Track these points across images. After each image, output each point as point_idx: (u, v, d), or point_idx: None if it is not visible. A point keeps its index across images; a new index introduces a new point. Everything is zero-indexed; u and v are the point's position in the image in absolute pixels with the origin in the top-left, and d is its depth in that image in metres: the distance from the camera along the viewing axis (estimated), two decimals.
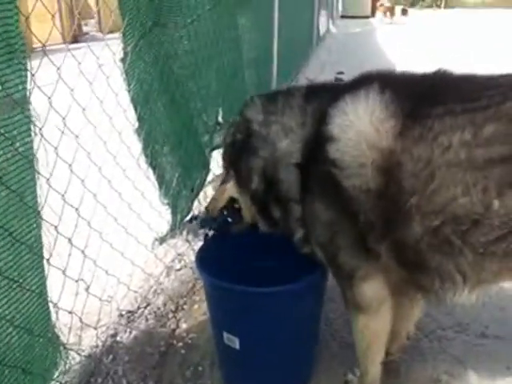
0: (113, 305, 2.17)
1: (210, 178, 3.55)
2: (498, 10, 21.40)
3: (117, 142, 2.26)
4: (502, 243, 1.44)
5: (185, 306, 2.50)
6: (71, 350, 1.80)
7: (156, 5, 2.56)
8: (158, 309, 2.38)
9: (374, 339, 1.78)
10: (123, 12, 2.23)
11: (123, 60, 2.30)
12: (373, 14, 22.74)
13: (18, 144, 1.56)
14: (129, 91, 2.37)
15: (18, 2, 1.44)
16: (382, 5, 20.54)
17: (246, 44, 4.61)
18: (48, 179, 1.70)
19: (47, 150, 1.70)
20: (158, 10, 2.61)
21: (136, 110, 2.45)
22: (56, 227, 1.74)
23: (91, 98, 1.96)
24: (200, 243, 2.92)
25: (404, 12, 19.99)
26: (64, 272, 1.78)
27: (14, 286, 1.54)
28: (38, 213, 1.65)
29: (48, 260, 1.68)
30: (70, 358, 1.79)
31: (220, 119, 3.82)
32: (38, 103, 1.58)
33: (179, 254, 2.79)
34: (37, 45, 1.70)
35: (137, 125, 2.48)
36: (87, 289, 1.89)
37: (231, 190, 1.95)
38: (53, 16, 1.80)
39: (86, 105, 1.93)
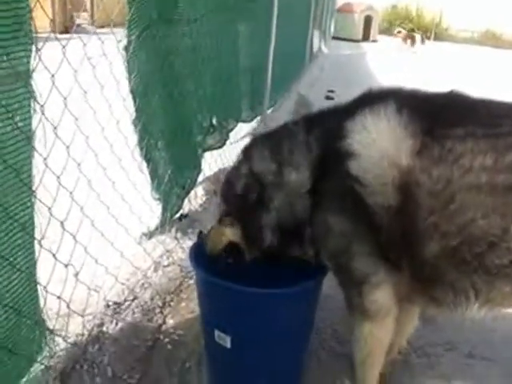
0: (100, 294, 2.12)
1: (200, 178, 3.53)
2: (486, 48, 21.97)
3: (114, 131, 2.23)
4: None
5: (171, 303, 2.46)
6: (57, 335, 1.75)
7: None
8: (145, 303, 2.33)
9: (376, 347, 1.78)
10: (130, 0, 2.23)
11: (126, 49, 2.29)
12: (364, 39, 23.11)
13: (17, 118, 1.53)
14: (129, 81, 2.36)
15: None
16: (400, 32, 20.72)
17: (243, 51, 4.65)
18: (45, 158, 1.66)
19: (46, 129, 1.66)
20: (164, 4, 2.62)
21: (135, 100, 2.43)
22: (50, 209, 1.69)
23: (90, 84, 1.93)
24: (188, 242, 2.91)
25: (423, 41, 20.15)
26: (54, 256, 1.73)
27: (5, 263, 1.49)
28: (33, 191, 1.61)
29: (40, 241, 1.64)
30: (56, 343, 1.74)
31: (214, 122, 3.82)
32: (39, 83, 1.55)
33: (167, 251, 2.75)
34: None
35: (134, 116, 2.46)
36: (76, 275, 1.84)
37: (231, 235, 1.89)
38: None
39: (87, 89, 1.91)
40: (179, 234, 2.94)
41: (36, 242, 1.63)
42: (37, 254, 1.65)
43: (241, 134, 4.88)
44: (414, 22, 25.55)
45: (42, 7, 1.65)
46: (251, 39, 4.91)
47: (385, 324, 1.73)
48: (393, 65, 13.64)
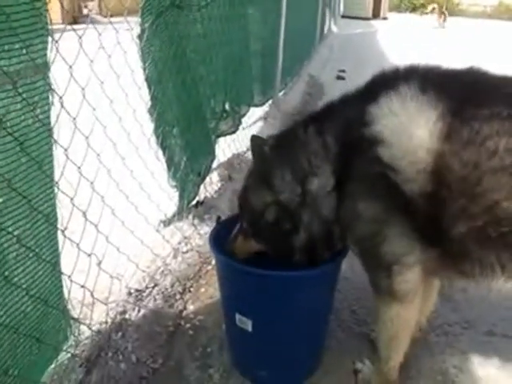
0: (122, 282, 2.15)
1: (215, 164, 3.54)
2: (499, 22, 21.52)
3: (130, 120, 2.24)
4: None
5: (191, 289, 2.49)
6: (82, 323, 1.78)
7: None
8: (166, 289, 2.36)
9: (403, 328, 1.79)
10: None
11: (140, 37, 2.28)
12: (374, 16, 22.75)
13: (38, 111, 1.54)
14: (144, 69, 2.35)
15: None
16: (434, 8, 20.46)
17: (254, 35, 4.61)
18: (66, 149, 1.67)
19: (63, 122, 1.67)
20: None
21: (150, 89, 2.43)
22: (72, 199, 1.71)
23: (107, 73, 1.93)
24: (206, 228, 2.93)
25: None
26: (78, 246, 1.75)
27: (31, 254, 1.52)
28: (56, 183, 1.63)
29: (63, 232, 1.66)
30: (81, 331, 1.77)
31: (227, 107, 3.81)
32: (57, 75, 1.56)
33: (185, 237, 2.77)
34: None
35: (149, 104, 2.46)
36: (99, 264, 1.86)
37: (257, 246, 1.92)
38: None
39: (104, 79, 1.91)
40: (196, 221, 2.96)
41: (59, 232, 1.66)
42: (60, 244, 1.68)
43: (253, 119, 4.87)
44: None
45: None
46: (261, 22, 4.86)
47: (412, 305, 1.74)
48: (405, 42, 13.45)
